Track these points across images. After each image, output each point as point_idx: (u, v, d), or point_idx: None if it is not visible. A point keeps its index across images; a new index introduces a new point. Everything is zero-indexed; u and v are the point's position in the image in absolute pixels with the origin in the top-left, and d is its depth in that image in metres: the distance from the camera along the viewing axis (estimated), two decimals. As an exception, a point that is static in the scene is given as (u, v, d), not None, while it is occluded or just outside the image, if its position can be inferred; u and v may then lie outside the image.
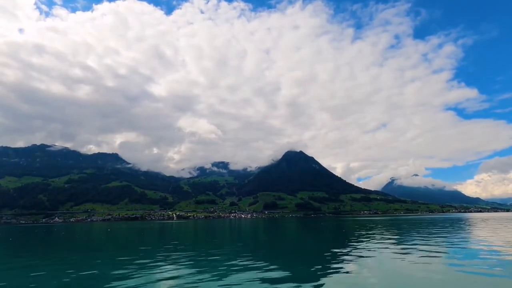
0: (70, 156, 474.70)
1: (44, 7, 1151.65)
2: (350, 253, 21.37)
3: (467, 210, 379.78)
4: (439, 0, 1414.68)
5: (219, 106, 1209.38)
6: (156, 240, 40.71)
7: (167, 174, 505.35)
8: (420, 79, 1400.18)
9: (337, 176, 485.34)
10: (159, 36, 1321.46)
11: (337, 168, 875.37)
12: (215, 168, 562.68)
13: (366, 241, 29.90)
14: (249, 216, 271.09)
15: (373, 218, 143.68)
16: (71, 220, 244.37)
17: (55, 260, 22.31)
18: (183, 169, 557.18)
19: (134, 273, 15.88)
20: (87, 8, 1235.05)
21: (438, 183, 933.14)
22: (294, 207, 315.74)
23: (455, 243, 26.08)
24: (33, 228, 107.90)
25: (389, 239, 31.67)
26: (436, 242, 27.23)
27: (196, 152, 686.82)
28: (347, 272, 14.95)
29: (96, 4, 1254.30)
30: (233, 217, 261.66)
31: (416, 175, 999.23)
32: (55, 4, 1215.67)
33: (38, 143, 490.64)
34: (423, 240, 29.36)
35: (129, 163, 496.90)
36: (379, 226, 60.63)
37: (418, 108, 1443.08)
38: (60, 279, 14.96)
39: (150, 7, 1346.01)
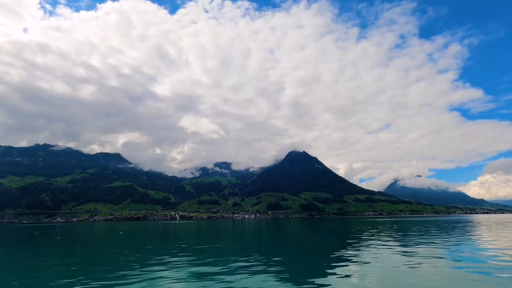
0: (73, 156, 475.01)
1: (48, 6, 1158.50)
2: (354, 255, 21.07)
3: (472, 211, 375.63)
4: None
5: (222, 106, 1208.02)
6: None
7: (170, 174, 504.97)
8: (425, 79, 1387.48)
9: (340, 176, 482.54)
10: (163, 35, 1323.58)
11: (340, 169, 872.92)
12: (217, 168, 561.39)
13: (372, 242, 28.49)
14: (252, 216, 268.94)
15: (379, 219, 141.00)
16: (73, 220, 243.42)
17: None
18: (185, 169, 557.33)
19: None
20: (91, 7, 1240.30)
21: (442, 184, 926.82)
22: (298, 207, 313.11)
23: (467, 247, 23.85)
24: (29, 228, 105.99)
25: (399, 241, 29.54)
26: (445, 245, 25.66)
27: (198, 152, 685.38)
28: (350, 274, 14.88)
29: (100, 3, 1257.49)
30: (236, 218, 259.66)
31: (420, 176, 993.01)
32: (59, 3, 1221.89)
33: (41, 143, 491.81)
34: (433, 242, 27.13)
35: (131, 163, 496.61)
36: (385, 227, 58.24)
37: (422, 108, 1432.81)
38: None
39: (154, 6, 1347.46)
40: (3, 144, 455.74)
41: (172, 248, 28.77)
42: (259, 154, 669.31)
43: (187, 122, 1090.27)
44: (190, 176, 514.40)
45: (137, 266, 17.85)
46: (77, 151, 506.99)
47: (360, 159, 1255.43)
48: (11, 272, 17.94)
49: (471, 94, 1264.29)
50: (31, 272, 17.30)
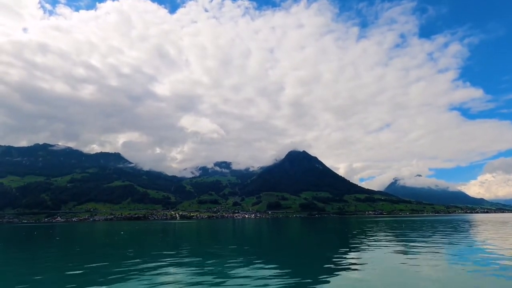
0: (73, 156, 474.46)
1: (48, 5, 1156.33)
2: (355, 255, 21.04)
3: (473, 211, 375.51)
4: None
5: (222, 106, 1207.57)
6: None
7: (169, 174, 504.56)
8: (425, 79, 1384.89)
9: (341, 176, 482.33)
10: (163, 35, 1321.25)
11: (340, 168, 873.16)
12: (217, 168, 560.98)
13: (375, 242, 28.19)
14: (252, 216, 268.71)
15: (380, 218, 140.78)
16: (73, 219, 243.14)
17: None
18: (185, 169, 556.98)
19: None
20: (90, 6, 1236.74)
21: (442, 183, 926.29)
22: (298, 207, 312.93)
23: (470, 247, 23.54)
24: (28, 228, 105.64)
25: (401, 240, 29.17)
26: (448, 245, 25.46)
27: (198, 152, 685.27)
28: (351, 274, 14.96)
29: (100, 2, 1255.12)
30: (236, 217, 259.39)
31: (419, 175, 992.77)
32: (58, 2, 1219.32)
33: (41, 143, 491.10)
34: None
35: (131, 163, 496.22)
36: (393, 226, 57.95)
37: (422, 108, 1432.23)
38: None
39: (153, 6, 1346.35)
40: (3, 144, 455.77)
41: (176, 250, 28.47)
42: (259, 154, 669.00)
43: (187, 122, 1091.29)
44: (190, 175, 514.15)
45: (144, 271, 17.12)
46: (77, 150, 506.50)
47: (360, 158, 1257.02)
48: (5, 274, 17.60)
49: (471, 94, 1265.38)
50: (27, 276, 16.66)
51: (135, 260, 20.56)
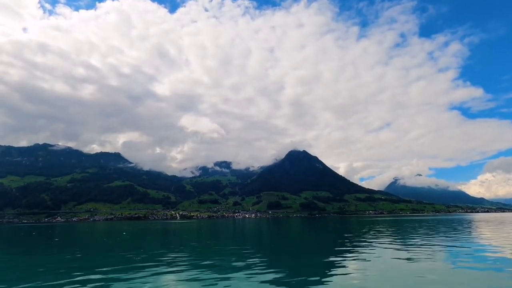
0: (73, 156, 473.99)
1: (47, 5, 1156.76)
2: (356, 255, 21.01)
3: (473, 210, 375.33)
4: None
5: (222, 106, 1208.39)
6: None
7: (170, 174, 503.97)
8: (425, 78, 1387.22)
9: (341, 175, 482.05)
10: (163, 34, 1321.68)
11: (340, 168, 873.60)
12: (217, 168, 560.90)
13: (376, 242, 27.91)
14: (253, 215, 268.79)
15: (382, 218, 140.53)
16: (73, 219, 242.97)
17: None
18: (185, 169, 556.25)
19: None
20: (90, 6, 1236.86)
21: (442, 183, 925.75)
22: (298, 207, 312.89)
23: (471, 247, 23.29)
24: (27, 228, 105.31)
25: (405, 241, 28.94)
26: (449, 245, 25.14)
27: (198, 152, 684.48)
28: (352, 275, 14.86)
29: (100, 2, 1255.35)
30: (237, 217, 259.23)
31: (420, 175, 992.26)
32: (58, 2, 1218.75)
33: (41, 143, 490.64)
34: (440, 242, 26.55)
35: (131, 163, 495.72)
36: (388, 226, 57.70)
37: (422, 107, 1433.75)
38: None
39: (153, 5, 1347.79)
40: (3, 144, 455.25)
41: (178, 251, 28.21)
42: (259, 154, 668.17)
43: (187, 121, 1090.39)
44: (190, 175, 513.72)
45: (149, 273, 16.37)
46: (77, 150, 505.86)
47: (360, 158, 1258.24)
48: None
49: (472, 93, 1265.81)
50: (16, 282, 15.04)
51: (140, 264, 20.32)
